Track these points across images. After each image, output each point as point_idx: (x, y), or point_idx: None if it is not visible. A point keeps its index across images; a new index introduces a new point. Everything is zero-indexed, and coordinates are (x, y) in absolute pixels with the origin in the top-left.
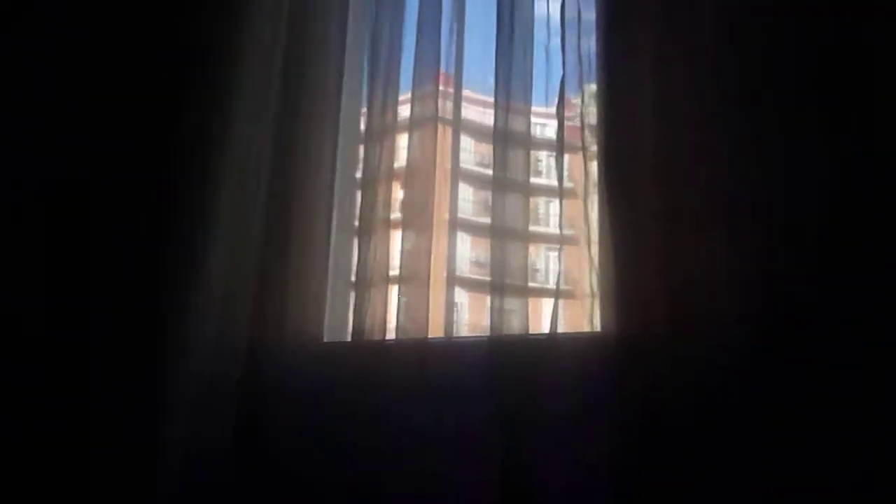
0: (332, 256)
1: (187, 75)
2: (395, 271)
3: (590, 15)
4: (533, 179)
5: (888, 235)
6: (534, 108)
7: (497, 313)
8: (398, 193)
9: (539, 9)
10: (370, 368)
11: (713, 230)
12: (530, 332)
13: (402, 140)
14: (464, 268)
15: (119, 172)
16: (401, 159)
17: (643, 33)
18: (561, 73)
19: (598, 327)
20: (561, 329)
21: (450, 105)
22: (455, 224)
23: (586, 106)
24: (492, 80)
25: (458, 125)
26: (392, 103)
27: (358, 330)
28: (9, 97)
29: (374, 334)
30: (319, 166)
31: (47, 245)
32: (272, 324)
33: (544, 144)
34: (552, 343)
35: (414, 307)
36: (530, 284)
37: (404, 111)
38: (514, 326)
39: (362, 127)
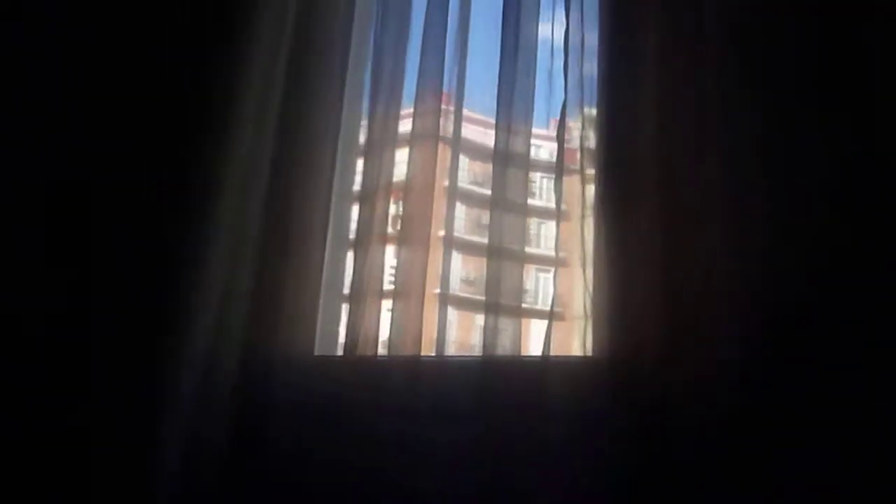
0: (326, 268)
1: (188, 77)
2: (388, 286)
3: (593, 40)
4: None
5: (888, 235)
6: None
7: (490, 333)
8: (394, 208)
9: (543, 31)
10: (361, 384)
11: (709, 256)
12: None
13: (401, 155)
14: (454, 286)
15: (119, 172)
16: (399, 174)
17: (644, 60)
18: (562, 96)
19: (589, 350)
20: (551, 352)
21: (450, 123)
22: (451, 242)
23: (585, 130)
24: (491, 101)
25: (458, 144)
26: (393, 117)
27: (350, 344)
28: (9, 97)
29: (366, 349)
30: (318, 176)
31: (47, 245)
32: (265, 334)
33: (539, 166)
34: (545, 365)
35: (406, 324)
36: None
37: (404, 126)
38: (505, 347)
39: (361, 139)
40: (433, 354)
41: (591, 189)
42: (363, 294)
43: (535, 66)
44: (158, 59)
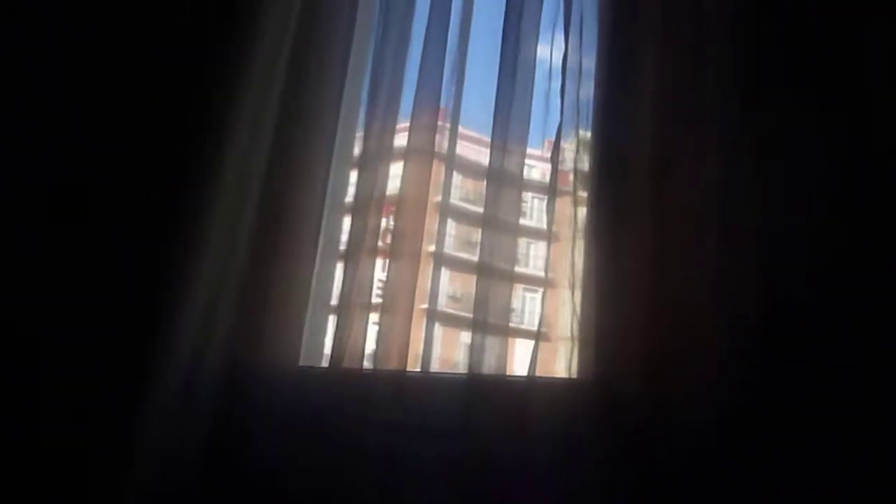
0: (315, 279)
1: (188, 77)
2: (376, 300)
3: (591, 64)
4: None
5: (888, 235)
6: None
7: (476, 351)
8: (386, 222)
9: (541, 53)
10: (346, 396)
11: (701, 277)
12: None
13: (395, 169)
14: (442, 302)
15: (119, 172)
16: (392, 188)
17: (641, 85)
18: (557, 117)
19: (574, 372)
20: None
21: (445, 140)
22: (441, 258)
23: (580, 152)
24: (487, 119)
25: (452, 161)
26: (389, 131)
27: (336, 356)
28: (9, 97)
29: (351, 362)
30: (311, 187)
31: (47, 245)
32: (251, 342)
33: (531, 186)
34: (531, 385)
35: (392, 338)
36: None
37: (399, 140)
38: (491, 365)
39: (356, 152)
40: (418, 370)
41: (582, 211)
42: (351, 306)
43: (533, 86)
44: (157, 65)
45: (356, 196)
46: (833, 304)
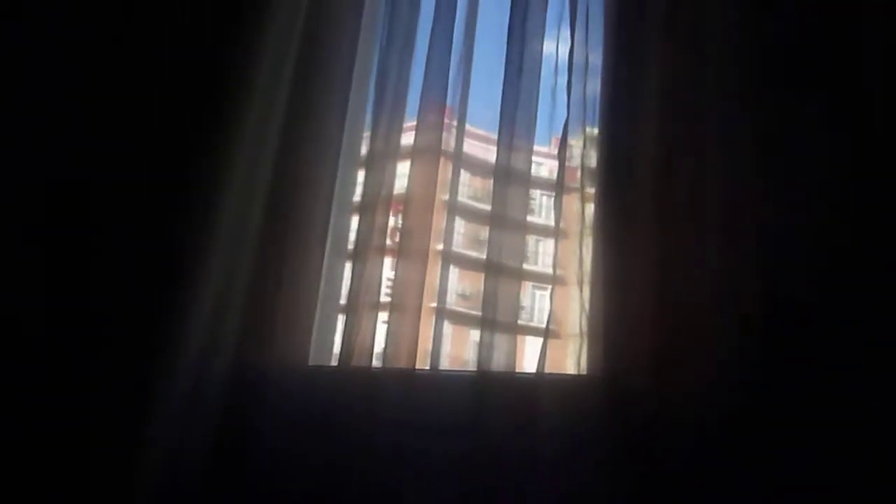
0: (323, 278)
1: (196, 78)
2: (385, 298)
3: (597, 59)
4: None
5: (888, 235)
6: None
7: (485, 348)
8: (394, 221)
9: (547, 49)
10: (356, 394)
11: (705, 275)
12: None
13: (402, 168)
14: (451, 300)
15: (119, 172)
16: (399, 187)
17: (648, 81)
18: (564, 114)
19: (584, 369)
20: (545, 369)
21: (452, 138)
22: (449, 256)
23: (587, 149)
24: (493, 117)
25: (459, 159)
26: (396, 130)
27: (346, 355)
28: (9, 97)
29: (360, 360)
30: (319, 187)
31: (47, 245)
32: (260, 341)
33: (539, 183)
34: (539, 382)
35: (401, 336)
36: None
37: (406, 139)
38: (500, 363)
39: (363, 151)
40: (427, 368)
41: (590, 208)
42: (360, 305)
43: (539, 83)
44: (160, 64)
45: (364, 195)
46: (833, 304)
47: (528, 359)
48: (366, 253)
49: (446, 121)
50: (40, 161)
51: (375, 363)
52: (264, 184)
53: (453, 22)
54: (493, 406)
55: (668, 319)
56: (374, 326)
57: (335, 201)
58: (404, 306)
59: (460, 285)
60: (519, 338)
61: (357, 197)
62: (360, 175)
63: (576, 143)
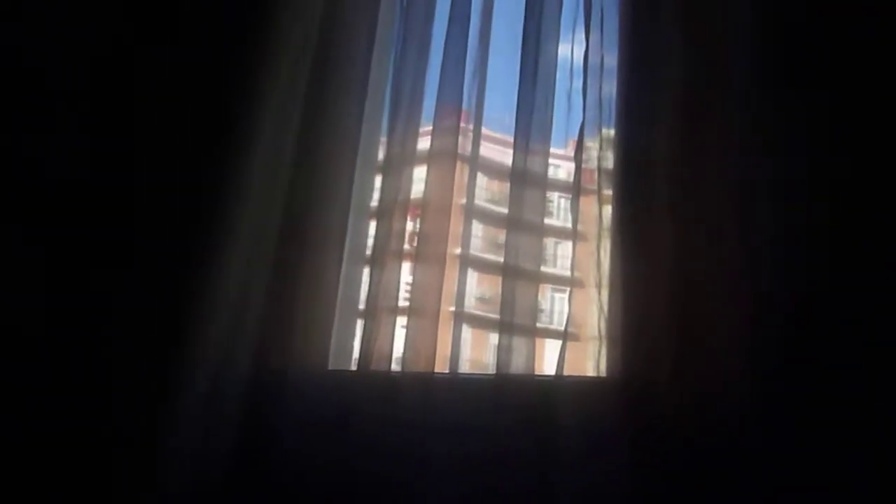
0: (342, 283)
1: (213, 83)
2: (403, 303)
3: (612, 61)
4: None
5: (888, 235)
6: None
7: (504, 352)
8: (411, 225)
9: (563, 51)
10: (375, 398)
11: (723, 276)
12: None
13: (419, 172)
14: (469, 304)
15: (146, 178)
16: (416, 191)
17: (664, 82)
18: (580, 116)
19: (603, 371)
20: (564, 372)
21: (468, 142)
22: (467, 260)
23: (603, 150)
24: (510, 120)
25: (476, 162)
26: (412, 135)
27: (364, 359)
28: (9, 97)
29: (379, 365)
30: (336, 192)
31: (48, 246)
32: (279, 346)
33: (556, 186)
34: (558, 385)
35: (420, 341)
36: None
37: (423, 144)
38: (519, 366)
39: (380, 156)
40: (446, 372)
41: (607, 210)
42: (378, 310)
43: (555, 85)
44: (173, 67)
45: (381, 200)
46: (833, 304)
47: (547, 361)
48: (384, 258)
49: (462, 125)
50: (40, 161)
51: (394, 367)
52: (282, 189)
53: (468, 26)
54: (513, 409)
55: (686, 321)
56: (392, 331)
57: (353, 206)
58: (423, 310)
59: (478, 289)
60: (538, 340)
61: (374, 202)
62: (378, 180)
63: (592, 145)
